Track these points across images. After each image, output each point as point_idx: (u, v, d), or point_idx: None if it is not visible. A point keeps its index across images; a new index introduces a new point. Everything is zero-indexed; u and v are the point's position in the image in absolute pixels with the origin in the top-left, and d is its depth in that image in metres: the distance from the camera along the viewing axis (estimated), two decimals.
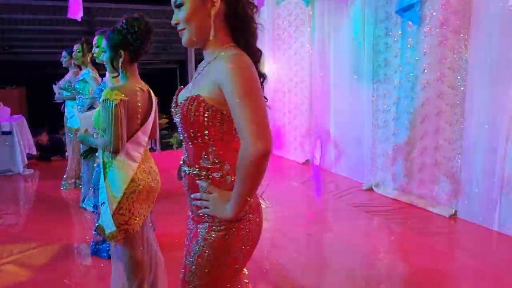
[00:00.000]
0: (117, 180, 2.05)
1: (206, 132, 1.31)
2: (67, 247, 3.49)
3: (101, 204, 2.07)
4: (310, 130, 6.25)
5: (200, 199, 1.36)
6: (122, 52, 2.06)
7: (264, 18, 6.95)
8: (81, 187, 5.04)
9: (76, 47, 4.33)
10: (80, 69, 4.52)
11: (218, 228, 1.34)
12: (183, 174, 1.44)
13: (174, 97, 1.46)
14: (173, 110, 1.44)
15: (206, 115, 1.28)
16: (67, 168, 5.14)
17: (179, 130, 1.40)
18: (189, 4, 1.29)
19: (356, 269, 3.15)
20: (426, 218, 4.02)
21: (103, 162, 2.09)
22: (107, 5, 10.39)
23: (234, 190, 1.29)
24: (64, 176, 5.15)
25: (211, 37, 1.31)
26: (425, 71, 4.12)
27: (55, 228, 3.92)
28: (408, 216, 4.09)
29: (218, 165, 1.34)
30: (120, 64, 2.07)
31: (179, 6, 1.30)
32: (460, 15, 3.77)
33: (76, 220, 4.23)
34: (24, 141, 6.02)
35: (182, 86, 1.48)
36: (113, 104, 1.97)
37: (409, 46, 4.29)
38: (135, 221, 2.10)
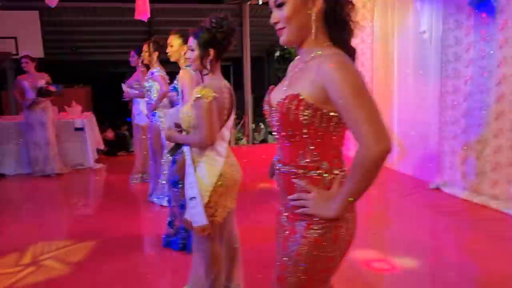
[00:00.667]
0: (207, 175, 2.14)
1: (305, 130, 1.32)
2: (139, 239, 3.67)
3: (191, 199, 2.15)
4: None
5: (298, 199, 1.37)
6: (212, 50, 2.12)
7: None
8: (147, 181, 5.29)
9: (145, 47, 4.49)
10: (148, 68, 4.70)
11: (318, 226, 1.35)
12: (276, 172, 1.46)
13: (266, 95, 1.48)
14: (266, 109, 1.46)
15: (306, 114, 1.29)
16: (135, 164, 5.37)
17: (274, 130, 1.42)
18: (290, 3, 1.29)
19: (424, 271, 3.06)
20: (500, 220, 3.82)
21: (192, 158, 2.17)
22: (166, 5, 10.68)
23: (344, 189, 1.30)
24: (133, 171, 5.38)
25: (312, 37, 1.32)
26: (501, 65, 3.91)
27: (125, 220, 4.12)
28: (479, 218, 3.90)
29: (315, 164, 1.35)
30: (208, 62, 2.14)
31: (280, 5, 1.31)
32: None
33: (145, 213, 4.41)
34: (94, 137, 6.37)
35: (273, 86, 1.50)
36: (207, 101, 2.04)
37: (482, 39, 4.08)
38: (219, 214, 2.19)
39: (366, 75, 6.07)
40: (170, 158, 2.34)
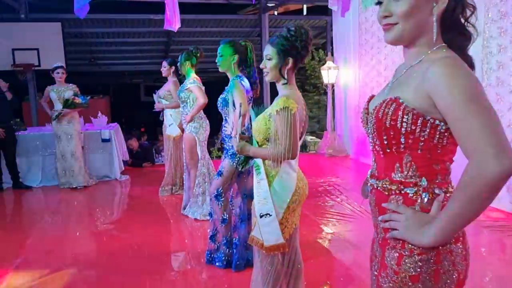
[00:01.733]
0: (284, 191, 2.06)
1: (403, 139, 1.14)
2: (178, 255, 3.53)
3: (263, 216, 2.05)
4: None
5: (389, 220, 1.18)
6: (290, 59, 2.04)
7: (350, 23, 6.82)
8: (178, 194, 5.19)
9: (180, 58, 4.41)
10: (182, 79, 4.61)
11: (412, 259, 1.14)
12: (369, 188, 1.28)
13: (365, 104, 1.34)
14: (363, 118, 1.31)
15: (404, 120, 1.12)
16: (165, 175, 5.27)
17: (369, 139, 1.27)
18: None
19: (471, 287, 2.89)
20: None
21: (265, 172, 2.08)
22: (185, 16, 10.69)
23: (446, 213, 1.08)
24: (162, 182, 5.28)
25: (433, 39, 1.16)
26: None
27: (161, 235, 4.00)
28: None
29: (413, 179, 1.16)
30: (286, 71, 2.06)
31: None
32: None
33: (180, 227, 4.28)
34: (120, 148, 6.29)
35: (373, 94, 1.37)
36: (292, 113, 1.96)
37: None
38: (287, 230, 2.10)
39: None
40: (241, 170, 2.22)
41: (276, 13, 11.87)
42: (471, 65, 1.19)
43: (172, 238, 3.93)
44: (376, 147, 1.23)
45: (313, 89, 16.54)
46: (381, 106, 1.17)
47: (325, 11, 12.50)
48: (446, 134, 1.11)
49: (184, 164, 4.52)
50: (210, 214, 3.21)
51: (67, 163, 5.67)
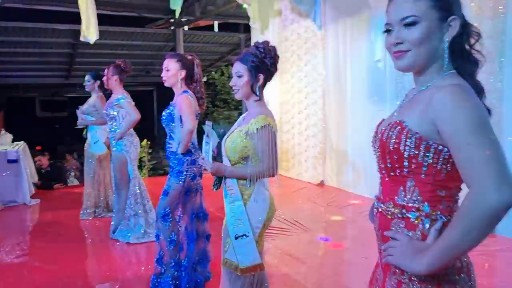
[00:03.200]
0: (260, 210, 2.02)
1: (406, 163, 1.14)
2: (119, 283, 3.27)
3: (239, 237, 1.98)
4: (324, 151, 6.28)
5: (388, 247, 1.17)
6: (261, 76, 2.03)
7: (270, 41, 7.03)
8: (101, 217, 4.83)
9: (107, 71, 4.15)
10: (108, 94, 4.34)
11: (410, 287, 1.14)
12: (375, 212, 1.28)
13: (375, 128, 1.33)
14: (372, 141, 1.32)
15: (407, 143, 1.12)
16: (86, 197, 4.86)
17: (376, 162, 1.27)
18: (425, 23, 1.13)
19: None
20: None
21: (240, 192, 2.02)
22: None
23: (442, 241, 1.07)
24: (83, 205, 4.87)
25: (444, 65, 1.18)
26: None
27: (92, 262, 3.70)
28: None
29: (415, 204, 1.15)
30: (257, 88, 2.04)
31: (410, 24, 1.14)
32: None
33: (112, 253, 3.95)
34: (29, 169, 5.68)
35: (384, 118, 1.35)
36: (273, 130, 1.96)
37: None
38: (260, 248, 2.07)
39: (318, 102, 6.26)
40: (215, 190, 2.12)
41: (186, 28, 11.81)
42: (481, 91, 1.20)
43: (106, 266, 3.60)
44: (382, 170, 1.23)
45: (223, 105, 16.73)
46: (386, 129, 1.18)
47: (236, 28, 12.79)
48: (450, 160, 1.10)
49: (113, 185, 4.22)
50: (157, 236, 3.02)
51: None
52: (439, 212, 1.14)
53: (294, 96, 6.77)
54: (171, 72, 2.91)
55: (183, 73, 2.94)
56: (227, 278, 2.12)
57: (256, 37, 7.57)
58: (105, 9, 9.00)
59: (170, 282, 2.97)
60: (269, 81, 2.11)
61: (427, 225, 1.14)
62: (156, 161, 11.57)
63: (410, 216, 1.15)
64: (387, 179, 1.22)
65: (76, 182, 7.78)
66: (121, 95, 4.04)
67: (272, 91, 7.30)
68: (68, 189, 6.49)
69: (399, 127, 1.15)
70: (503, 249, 3.69)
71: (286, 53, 6.76)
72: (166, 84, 2.97)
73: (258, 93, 2.06)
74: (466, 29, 1.20)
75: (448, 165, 1.11)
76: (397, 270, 1.17)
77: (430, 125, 1.10)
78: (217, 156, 2.16)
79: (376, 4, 4.93)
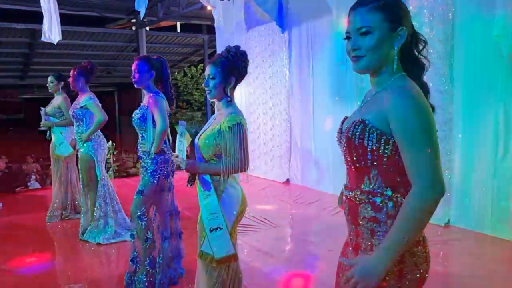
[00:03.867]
0: (232, 204, 2.15)
1: (369, 156, 1.32)
2: (91, 283, 3.29)
3: (213, 230, 2.09)
4: (289, 151, 6.47)
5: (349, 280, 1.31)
6: (233, 78, 2.15)
7: (234, 42, 7.15)
8: (68, 219, 4.79)
9: (72, 72, 4.13)
10: (73, 95, 4.32)
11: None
12: (344, 198, 1.46)
13: (340, 125, 1.52)
14: (337, 137, 1.49)
15: (370, 139, 1.30)
16: (53, 199, 4.80)
17: (343, 156, 1.44)
18: (378, 33, 1.31)
19: None
20: None
21: (214, 187, 2.14)
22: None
23: (391, 237, 1.26)
24: (50, 207, 4.80)
25: (394, 69, 1.36)
26: None
27: (63, 264, 3.68)
28: None
29: (379, 190, 1.34)
30: (229, 89, 2.17)
31: (365, 33, 1.32)
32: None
33: (83, 255, 3.93)
34: None
35: (346, 116, 1.54)
36: (244, 128, 2.09)
37: None
38: (233, 240, 2.20)
39: (283, 102, 6.45)
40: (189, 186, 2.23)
41: (148, 28, 11.76)
42: (427, 91, 1.40)
43: (78, 267, 3.60)
44: (348, 162, 1.40)
45: (186, 106, 16.70)
46: (350, 127, 1.36)
47: (200, 29, 12.82)
48: None
49: (81, 186, 4.21)
50: (132, 235, 3.08)
51: None
52: (399, 195, 1.33)
53: (260, 97, 6.93)
54: (141, 74, 2.97)
55: (152, 74, 3.01)
56: (203, 271, 2.23)
57: (221, 38, 7.68)
58: (64, 8, 8.82)
59: (145, 279, 3.03)
60: (239, 83, 2.24)
61: (390, 206, 1.33)
62: (119, 163, 11.42)
63: (376, 200, 1.34)
64: (353, 169, 1.40)
65: (37, 186, 7.59)
66: (87, 97, 4.04)
67: (238, 91, 7.42)
68: (30, 192, 6.34)
69: (362, 124, 1.33)
70: (457, 238, 3.99)
71: (251, 54, 6.89)
72: (136, 86, 3.02)
73: (229, 94, 2.18)
74: (414, 37, 1.41)
75: None
76: (368, 248, 1.35)
77: (385, 123, 1.29)
78: (190, 154, 2.28)
79: (337, 9, 5.17)
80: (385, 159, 1.32)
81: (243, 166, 2.11)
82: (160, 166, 2.97)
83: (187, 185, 2.22)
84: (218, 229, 2.11)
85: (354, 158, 1.36)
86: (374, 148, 1.31)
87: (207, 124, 2.32)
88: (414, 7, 4.41)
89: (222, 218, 2.11)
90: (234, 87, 2.22)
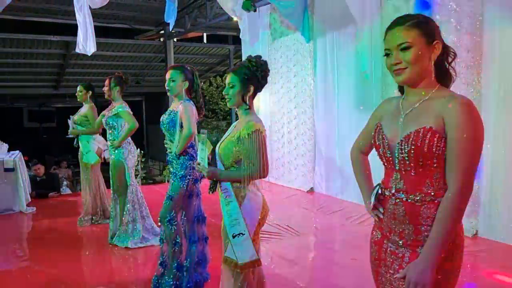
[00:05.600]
0: (254, 210, 2.20)
1: (435, 160, 1.44)
2: (119, 285, 3.39)
3: (236, 236, 2.16)
4: (313, 159, 6.50)
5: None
6: (252, 87, 2.21)
7: (259, 53, 7.26)
8: (98, 223, 4.95)
9: (107, 81, 4.31)
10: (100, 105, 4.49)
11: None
12: (395, 201, 1.53)
13: (378, 131, 1.58)
14: (379, 143, 1.57)
15: (438, 145, 1.42)
16: (85, 205, 4.98)
17: (395, 161, 1.50)
18: (417, 48, 1.44)
19: None
20: None
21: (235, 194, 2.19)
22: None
23: (434, 235, 1.41)
24: (82, 212, 4.99)
25: (432, 79, 1.49)
26: None
27: (92, 266, 3.80)
28: None
29: (442, 191, 1.45)
30: (248, 97, 2.22)
31: (405, 48, 1.44)
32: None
33: (112, 258, 4.07)
34: (25, 177, 5.76)
35: (379, 122, 1.60)
36: (262, 135, 2.14)
37: None
38: (256, 246, 2.24)
39: (307, 111, 6.49)
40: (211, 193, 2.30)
41: (176, 39, 12.05)
42: None
43: (107, 269, 3.73)
44: (407, 167, 1.49)
45: (211, 115, 16.92)
46: (418, 135, 1.44)
47: (226, 40, 13.04)
48: None
49: (112, 192, 4.35)
50: (161, 240, 3.17)
51: None
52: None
53: (284, 106, 7.00)
54: (176, 82, 3.09)
55: (186, 84, 3.13)
56: (228, 276, 2.28)
57: (246, 49, 7.81)
58: (97, 21, 9.16)
59: (172, 283, 3.11)
60: (259, 92, 2.29)
61: None
62: (146, 171, 11.66)
63: (440, 200, 1.45)
64: (412, 174, 1.49)
65: (68, 191, 7.85)
66: (120, 105, 4.20)
67: (263, 101, 7.53)
68: (62, 197, 6.57)
69: (431, 132, 1.43)
70: (485, 250, 3.92)
71: (276, 64, 6.99)
72: (169, 94, 3.14)
73: (248, 103, 2.23)
74: (445, 50, 1.52)
75: None
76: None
77: (443, 127, 1.42)
78: (212, 162, 2.34)
79: (361, 19, 5.20)
80: (444, 162, 1.45)
81: (263, 172, 2.14)
82: (189, 171, 3.06)
83: (209, 192, 2.28)
84: (241, 235, 2.16)
85: (420, 163, 1.46)
86: (440, 153, 1.43)
87: (227, 132, 2.37)
88: (442, 16, 4.41)
89: (243, 224, 2.16)
90: (253, 95, 2.26)
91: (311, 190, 6.52)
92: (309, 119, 6.48)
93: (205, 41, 14.24)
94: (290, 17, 6.21)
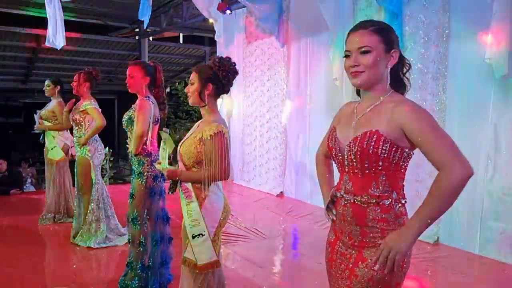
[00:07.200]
0: (215, 211, 2.18)
1: (380, 163, 1.47)
2: (82, 285, 3.31)
3: (196, 236, 2.14)
4: (284, 164, 6.53)
5: (378, 259, 1.46)
6: (210, 85, 2.19)
7: (234, 55, 7.26)
8: (61, 222, 4.82)
9: (76, 77, 4.20)
10: (75, 100, 4.37)
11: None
12: (344, 203, 1.56)
13: (332, 134, 1.63)
14: (332, 145, 1.60)
15: (384, 148, 1.45)
16: (47, 202, 4.84)
17: (343, 163, 1.55)
18: (376, 53, 1.48)
19: None
20: None
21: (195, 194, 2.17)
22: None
23: (421, 213, 1.42)
24: (44, 210, 4.84)
25: (386, 85, 1.53)
26: None
27: (53, 266, 3.70)
28: None
29: (387, 193, 1.49)
30: (206, 96, 2.20)
31: (365, 52, 1.49)
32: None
33: (73, 258, 3.95)
34: None
35: (334, 126, 1.65)
36: (225, 137, 2.12)
37: None
38: (217, 247, 2.23)
39: (279, 116, 6.53)
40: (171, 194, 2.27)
41: (151, 38, 11.92)
42: None
43: (69, 270, 3.61)
44: (355, 169, 1.53)
45: (185, 116, 16.75)
46: (364, 137, 1.47)
47: (202, 41, 12.98)
48: (408, 157, 1.51)
49: (75, 189, 4.25)
50: (129, 240, 3.10)
51: None
52: (401, 197, 1.53)
53: (257, 109, 7.01)
54: (136, 79, 3.03)
55: (147, 80, 3.07)
56: (187, 276, 2.26)
57: (221, 51, 7.79)
58: (69, 15, 8.96)
59: (137, 284, 3.05)
60: (224, 93, 2.28)
61: (397, 207, 1.51)
62: (116, 170, 11.44)
63: (385, 203, 1.50)
64: (359, 176, 1.52)
65: (32, 189, 7.62)
66: (88, 101, 4.11)
67: (236, 104, 7.52)
68: (25, 195, 6.37)
69: (376, 135, 1.47)
70: (445, 256, 4.03)
71: (250, 67, 7.01)
72: (130, 91, 3.08)
73: (206, 101, 2.21)
74: (401, 60, 1.58)
75: (406, 162, 1.52)
76: (375, 245, 1.48)
77: (397, 130, 1.46)
78: (173, 161, 2.31)
79: (334, 26, 5.27)
80: (392, 165, 1.49)
81: (224, 175, 2.13)
82: (147, 167, 3.01)
83: (169, 193, 2.26)
84: (200, 235, 2.14)
85: (366, 165, 1.50)
86: (385, 156, 1.47)
87: (190, 131, 2.34)
88: (411, 28, 4.52)
89: (203, 225, 2.15)
90: (214, 95, 2.24)
91: (281, 194, 6.54)
92: (281, 123, 6.51)
93: (181, 41, 14.15)
94: (265, 21, 6.25)
